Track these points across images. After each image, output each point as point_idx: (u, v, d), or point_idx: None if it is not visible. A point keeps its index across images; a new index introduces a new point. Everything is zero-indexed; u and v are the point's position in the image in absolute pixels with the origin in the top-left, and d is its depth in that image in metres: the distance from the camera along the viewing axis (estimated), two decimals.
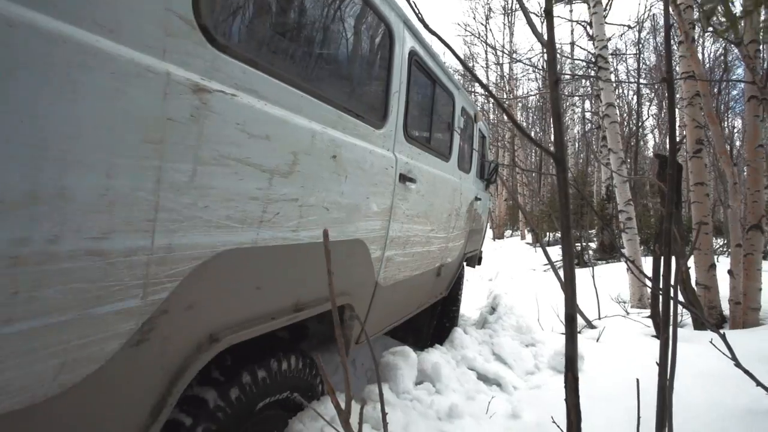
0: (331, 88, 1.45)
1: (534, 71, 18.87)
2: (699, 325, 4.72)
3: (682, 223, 5.02)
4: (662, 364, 1.12)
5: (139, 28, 0.79)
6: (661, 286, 1.16)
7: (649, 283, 5.41)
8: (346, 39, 1.57)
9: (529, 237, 19.81)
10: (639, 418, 1.30)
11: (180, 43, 0.87)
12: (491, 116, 20.23)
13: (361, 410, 0.83)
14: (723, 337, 2.12)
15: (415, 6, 1.05)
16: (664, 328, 0.99)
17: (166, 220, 0.87)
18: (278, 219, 1.19)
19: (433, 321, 3.49)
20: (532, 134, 24.83)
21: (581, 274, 7.45)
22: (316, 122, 1.32)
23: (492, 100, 17.57)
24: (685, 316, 5.18)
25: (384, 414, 0.85)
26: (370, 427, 1.99)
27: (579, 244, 11.71)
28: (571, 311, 0.96)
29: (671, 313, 1.12)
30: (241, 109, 1.01)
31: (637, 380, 1.32)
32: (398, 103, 1.97)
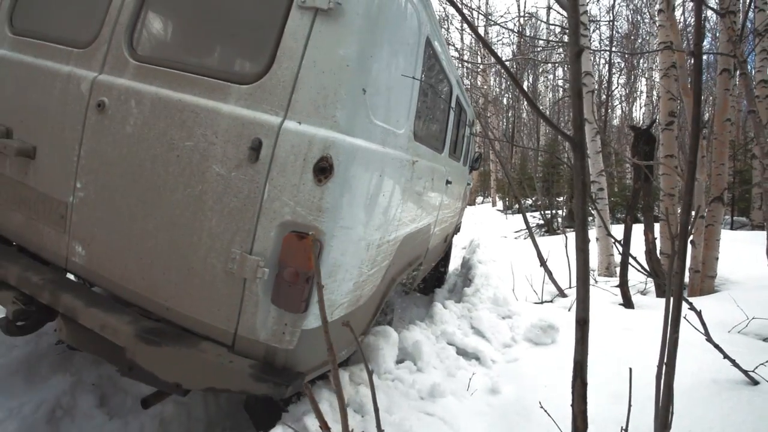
0: (433, 139, 2.73)
1: (509, 36, 18.55)
2: (661, 292, 4.96)
3: (651, 194, 5.15)
4: (663, 342, 1.07)
5: (404, 142, 1.98)
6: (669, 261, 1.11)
7: (633, 260, 5.57)
8: (438, 113, 2.90)
9: (500, 204, 20.19)
10: (630, 406, 1.29)
11: (409, 144, 2.04)
12: (466, 81, 19.90)
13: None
14: (699, 314, 2.17)
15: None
16: (672, 328, 0.93)
17: (399, 225, 2.08)
18: (416, 216, 2.41)
19: (435, 273, 4.76)
20: (505, 100, 24.77)
21: (551, 242, 7.65)
22: (430, 161, 2.56)
23: (468, 64, 17.20)
24: (649, 284, 5.43)
25: (374, 397, 0.76)
26: (352, 411, 1.95)
27: (549, 212, 11.99)
28: (584, 314, 0.88)
29: (672, 308, 1.06)
30: (419, 166, 2.26)
31: (630, 369, 1.29)
32: (449, 134, 3.20)
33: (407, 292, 3.22)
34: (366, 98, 1.51)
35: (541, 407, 1.54)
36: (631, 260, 3.65)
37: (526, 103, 23.79)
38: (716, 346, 2.20)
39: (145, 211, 1.61)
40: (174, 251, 1.57)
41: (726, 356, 2.19)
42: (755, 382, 2.19)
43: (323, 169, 1.38)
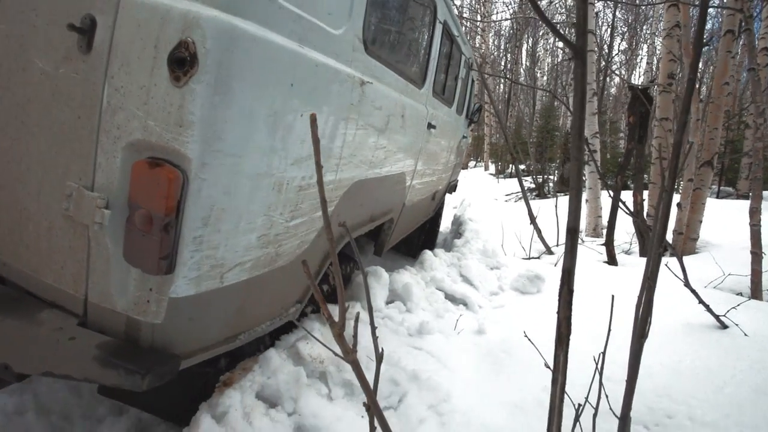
0: (405, 65, 2.15)
1: None
2: (645, 252, 5.10)
3: (644, 157, 5.18)
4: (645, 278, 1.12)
5: (345, 50, 1.44)
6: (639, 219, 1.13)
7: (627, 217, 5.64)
8: (413, 30, 2.30)
9: (492, 168, 20.18)
10: (609, 330, 1.36)
11: (355, 55, 1.51)
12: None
13: (356, 321, 0.76)
14: (681, 263, 2.24)
15: None
16: (651, 273, 0.96)
17: (341, 164, 1.57)
18: (375, 160, 1.90)
19: (422, 235, 4.30)
20: (503, 63, 24.17)
21: (542, 205, 7.74)
22: (398, 92, 2.00)
23: (468, 22, 16.62)
24: (634, 245, 5.57)
25: (374, 328, 0.79)
26: None
27: (541, 177, 12.04)
28: (574, 224, 0.90)
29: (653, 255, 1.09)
30: (376, 91, 1.70)
31: (612, 296, 1.35)
32: (433, 66, 2.58)
33: (378, 254, 2.66)
34: None
35: (525, 336, 1.61)
36: (621, 208, 3.70)
37: (524, 64, 23.25)
38: (693, 291, 2.29)
39: None
40: (3, 186, 1.17)
41: (701, 301, 2.29)
42: (725, 326, 2.31)
43: (181, 61, 0.93)
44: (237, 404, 1.40)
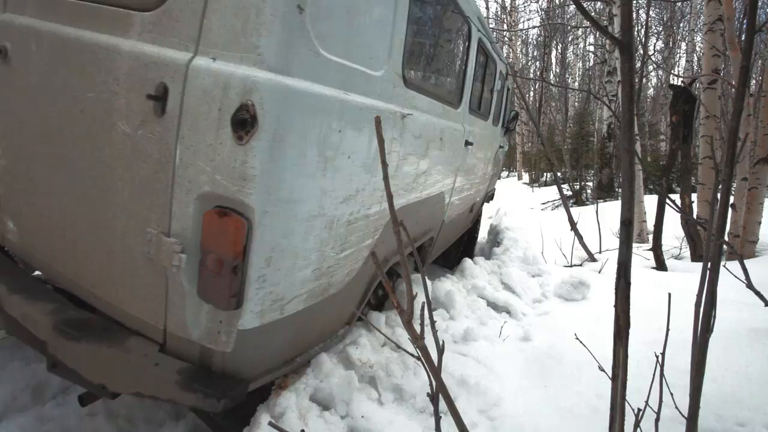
0: (442, 89, 2.23)
1: (537, 0, 17.66)
2: (696, 257, 4.82)
3: (690, 157, 4.95)
4: (700, 292, 1.08)
5: (386, 89, 1.52)
6: (685, 220, 1.11)
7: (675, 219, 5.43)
8: (449, 54, 2.40)
9: (525, 177, 19.78)
10: (668, 330, 1.31)
11: (396, 91, 1.59)
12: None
13: (422, 311, 0.80)
14: (742, 264, 2.13)
15: None
16: (713, 264, 0.94)
17: (382, 195, 1.60)
18: (416, 185, 1.97)
19: (461, 247, 4.25)
20: (532, 70, 23.86)
21: (581, 212, 7.50)
22: (435, 117, 2.04)
23: (492, 32, 16.64)
24: (684, 250, 5.29)
25: (432, 321, 0.82)
26: (389, 349, 2.04)
27: (578, 183, 11.70)
28: (628, 215, 0.90)
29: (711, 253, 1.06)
30: (416, 122, 1.77)
31: (669, 294, 1.30)
32: (469, 85, 2.59)
33: (417, 272, 2.64)
34: (306, 19, 1.08)
35: (576, 338, 1.57)
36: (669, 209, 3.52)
37: (552, 73, 22.83)
38: (758, 293, 2.15)
39: (60, 180, 1.34)
40: (92, 230, 1.31)
41: (767, 303, 2.15)
42: None
43: (243, 122, 1.02)
44: (293, 406, 1.45)
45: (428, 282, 2.54)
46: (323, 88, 1.18)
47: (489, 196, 4.95)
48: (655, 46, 20.29)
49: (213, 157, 1.06)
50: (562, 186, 12.60)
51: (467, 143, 2.75)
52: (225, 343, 1.17)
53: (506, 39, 18.05)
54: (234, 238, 1.06)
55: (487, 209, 7.84)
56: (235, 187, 1.06)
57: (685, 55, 20.39)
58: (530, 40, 23.96)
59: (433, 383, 0.81)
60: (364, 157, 1.42)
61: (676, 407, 1.15)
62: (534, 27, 19.21)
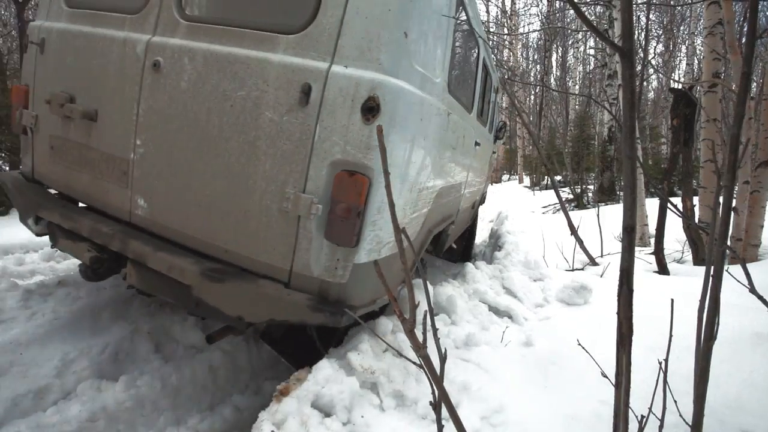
0: (464, 97, 2.66)
1: (539, 3, 17.69)
2: (699, 261, 4.80)
3: (691, 161, 4.94)
4: (703, 297, 1.08)
5: (440, 92, 1.99)
6: (685, 225, 1.10)
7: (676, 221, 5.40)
8: (468, 68, 2.91)
9: (526, 180, 19.77)
10: (671, 336, 1.30)
11: (444, 95, 2.07)
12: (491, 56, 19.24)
13: (424, 319, 0.79)
14: (745, 268, 2.12)
15: None
16: (716, 281, 0.93)
17: (435, 174, 2.10)
18: (450, 171, 2.47)
19: (462, 242, 4.84)
20: (533, 73, 23.91)
21: (582, 215, 7.49)
22: (461, 118, 2.52)
23: (493, 36, 16.65)
24: (686, 253, 5.27)
25: (435, 329, 0.81)
26: (390, 355, 2.03)
27: (579, 187, 11.69)
28: (631, 222, 0.90)
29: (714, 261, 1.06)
30: (453, 120, 2.26)
31: (672, 300, 1.30)
32: (478, 95, 3.22)
33: (437, 255, 3.24)
34: (407, 42, 1.57)
35: (579, 344, 1.56)
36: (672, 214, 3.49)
37: (552, 77, 22.85)
38: (760, 298, 2.14)
39: (203, 160, 1.72)
40: (231, 196, 1.68)
41: None
42: None
43: (371, 109, 1.47)
44: (294, 413, 1.44)
45: (430, 287, 2.54)
46: (414, 88, 1.66)
47: (482, 199, 5.50)
48: (655, 50, 20.32)
49: (345, 134, 1.51)
50: (564, 189, 12.61)
51: (476, 143, 3.35)
52: (341, 276, 1.57)
53: (507, 42, 18.10)
54: (360, 191, 1.48)
55: (488, 211, 7.85)
56: (361, 154, 1.50)
57: (685, 58, 20.39)
58: (531, 43, 24.04)
59: (436, 392, 0.80)
60: (429, 141, 1.88)
61: (680, 414, 1.14)
62: (534, 31, 19.25)
